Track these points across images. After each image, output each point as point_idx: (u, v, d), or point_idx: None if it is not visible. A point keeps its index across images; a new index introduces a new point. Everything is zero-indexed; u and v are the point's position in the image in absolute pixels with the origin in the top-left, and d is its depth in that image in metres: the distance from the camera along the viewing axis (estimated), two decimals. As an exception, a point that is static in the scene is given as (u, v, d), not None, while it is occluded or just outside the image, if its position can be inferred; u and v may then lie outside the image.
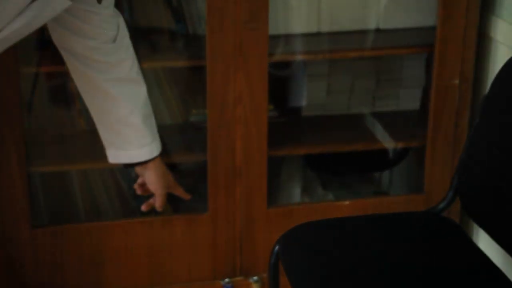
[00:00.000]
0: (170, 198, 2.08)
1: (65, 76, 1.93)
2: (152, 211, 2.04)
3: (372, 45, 1.99)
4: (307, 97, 2.09)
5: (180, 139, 2.03)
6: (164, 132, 2.01)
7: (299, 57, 1.98)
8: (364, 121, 2.13)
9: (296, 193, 2.12)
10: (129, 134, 1.52)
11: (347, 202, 2.01)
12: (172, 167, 2.12)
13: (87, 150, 1.98)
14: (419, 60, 2.09)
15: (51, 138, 1.98)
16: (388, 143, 2.08)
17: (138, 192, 1.64)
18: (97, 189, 2.09)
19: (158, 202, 1.61)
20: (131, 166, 1.59)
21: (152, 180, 1.59)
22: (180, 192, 1.68)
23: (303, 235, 1.61)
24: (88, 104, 1.53)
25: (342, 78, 2.09)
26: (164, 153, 1.98)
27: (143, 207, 1.65)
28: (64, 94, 1.97)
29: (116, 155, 1.57)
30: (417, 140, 2.05)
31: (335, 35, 1.97)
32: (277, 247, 1.59)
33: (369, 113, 2.13)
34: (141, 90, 1.52)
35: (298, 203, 2.08)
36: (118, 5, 1.49)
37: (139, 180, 1.63)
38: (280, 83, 2.10)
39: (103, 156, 1.95)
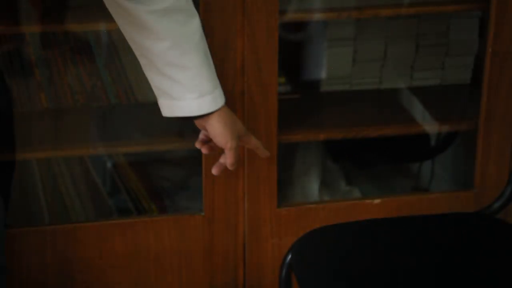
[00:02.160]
0: (156, 195, 2.10)
1: (20, 39, 1.97)
2: (130, 211, 2.07)
3: (410, 0, 1.99)
4: (328, 67, 2.11)
5: (167, 121, 2.02)
6: (146, 111, 2.04)
7: (318, 16, 1.99)
8: (400, 98, 2.15)
9: (313, 189, 2.14)
10: (184, 80, 1.51)
11: (377, 201, 2.02)
12: (159, 156, 2.16)
13: (50, 134, 1.99)
14: (471, 19, 2.11)
15: (4, 119, 1.96)
16: (430, 126, 2.09)
17: (203, 151, 1.63)
18: (64, 183, 2.11)
19: (230, 158, 1.59)
20: (190, 119, 1.58)
21: (219, 131, 1.57)
22: (254, 144, 1.66)
23: (322, 242, 1.62)
24: (132, 44, 1.53)
25: (371, 43, 2.10)
26: (148, 138, 2.01)
27: (214, 170, 1.64)
28: (20, 63, 1.99)
29: (171, 107, 1.57)
30: (466, 122, 2.07)
31: None
32: (289, 257, 1.60)
33: (406, 88, 2.15)
34: (194, 22, 1.51)
35: (315, 201, 2.10)
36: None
37: (201, 136, 1.63)
38: (293, 50, 2.11)
39: (71, 141, 1.98)
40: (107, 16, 1.85)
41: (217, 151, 1.62)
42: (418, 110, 2.11)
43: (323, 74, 2.12)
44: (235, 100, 1.86)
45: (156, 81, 1.55)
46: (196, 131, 1.87)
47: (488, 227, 1.67)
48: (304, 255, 1.59)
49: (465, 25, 2.12)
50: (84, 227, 1.94)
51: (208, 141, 1.62)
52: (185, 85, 1.52)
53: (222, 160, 1.63)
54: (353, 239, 1.62)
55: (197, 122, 1.60)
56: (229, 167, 1.60)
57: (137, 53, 1.55)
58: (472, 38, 2.12)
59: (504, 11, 1.89)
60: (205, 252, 1.97)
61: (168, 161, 2.17)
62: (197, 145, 1.64)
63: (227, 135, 1.57)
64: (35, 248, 1.92)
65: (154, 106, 2.03)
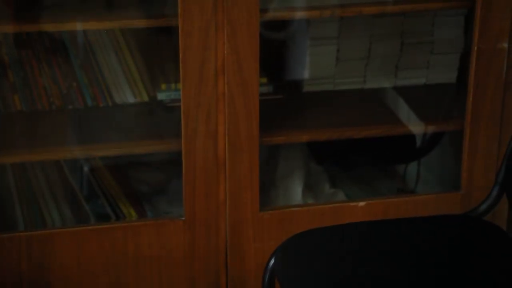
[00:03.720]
0: (135, 200, 2.10)
1: None
2: (108, 216, 2.06)
3: None
4: (310, 67, 2.11)
5: (146, 123, 2.05)
6: (125, 113, 2.05)
7: (300, 14, 1.99)
8: (384, 98, 2.15)
9: (296, 192, 2.14)
10: None
11: (362, 203, 2.03)
12: (138, 159, 2.16)
13: (24, 138, 1.99)
14: (456, 17, 2.12)
15: None
16: (415, 127, 2.10)
17: None
18: (39, 188, 2.10)
19: None
20: None
21: None
22: None
23: (306, 246, 1.62)
24: None
25: (355, 41, 2.10)
26: (126, 141, 2.01)
27: None
28: None
29: None
30: (452, 122, 2.07)
31: None
32: (272, 261, 1.60)
33: (391, 88, 2.16)
34: None
35: (299, 205, 2.10)
36: None
37: None
38: (275, 49, 2.11)
39: (47, 145, 1.97)
40: (83, 16, 1.87)
41: None
42: (403, 110, 2.11)
43: (306, 74, 2.12)
44: (216, 101, 1.86)
45: None
46: (174, 134, 1.90)
47: (475, 229, 1.68)
48: (288, 260, 1.59)
49: (450, 22, 2.12)
50: (61, 233, 1.93)
51: None
52: None
53: None
54: (338, 243, 1.63)
55: None
56: None
57: None
58: (458, 36, 2.13)
59: (489, 8, 1.90)
60: (186, 257, 1.97)
61: (147, 165, 2.17)
62: None
63: None
64: (10, 256, 1.91)
65: (132, 108, 2.05)
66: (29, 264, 1.92)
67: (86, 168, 2.14)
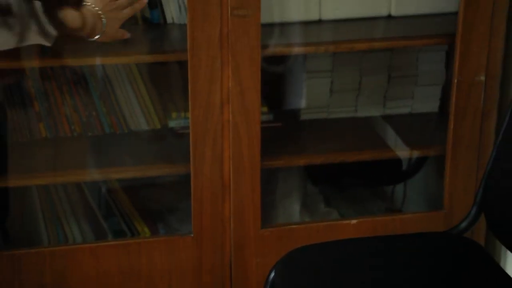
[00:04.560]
0: (148, 218, 2.10)
1: (20, 73, 1.96)
2: (124, 232, 2.06)
3: (383, 35, 2.00)
4: (307, 97, 2.11)
5: (158, 148, 2.04)
6: (139, 140, 2.04)
7: (297, 50, 1.99)
8: (374, 125, 2.14)
9: (294, 211, 2.13)
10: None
11: (354, 221, 2.02)
12: (150, 181, 2.15)
13: (48, 162, 1.98)
14: (438, 52, 2.11)
15: (6, 147, 1.99)
16: (402, 152, 2.09)
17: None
18: (62, 207, 2.10)
19: None
20: None
21: None
22: None
23: (303, 260, 1.62)
24: None
25: (347, 74, 2.10)
26: (140, 165, 2.01)
27: None
28: (20, 95, 1.98)
29: None
30: (435, 147, 2.07)
31: (339, 23, 1.99)
32: (272, 275, 1.60)
33: (379, 116, 2.15)
34: None
35: (296, 222, 2.09)
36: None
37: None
38: (275, 81, 2.11)
39: (68, 168, 1.97)
40: (102, 51, 1.86)
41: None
42: (390, 137, 2.11)
43: (302, 104, 2.11)
44: (221, 128, 1.86)
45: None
46: (184, 159, 1.90)
47: (456, 246, 1.67)
48: (286, 273, 1.59)
49: (432, 57, 2.12)
50: (81, 249, 1.93)
51: None
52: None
53: None
54: (332, 257, 1.62)
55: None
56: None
57: None
58: (439, 70, 2.12)
59: (468, 45, 1.90)
60: (194, 271, 1.97)
61: (159, 186, 2.15)
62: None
63: None
64: (35, 269, 1.91)
65: (145, 134, 2.05)
66: (52, 277, 1.92)
67: (104, 189, 2.13)
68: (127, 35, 1.61)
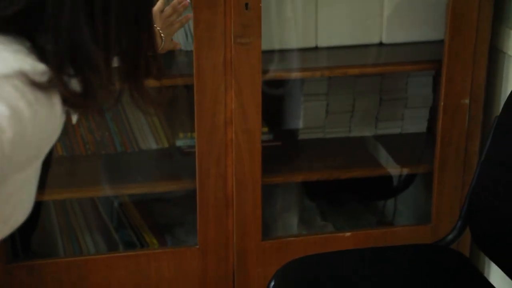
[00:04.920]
0: (157, 231, 2.09)
1: None
2: (134, 244, 2.06)
3: (374, 61, 2.00)
4: (304, 118, 2.10)
5: (166, 166, 2.04)
6: (148, 158, 2.04)
7: (295, 75, 1.98)
8: (366, 144, 2.14)
9: (292, 224, 2.12)
10: None
11: (348, 234, 2.01)
12: (159, 196, 2.14)
13: (65, 178, 1.98)
14: (426, 77, 2.11)
15: None
16: (392, 169, 2.09)
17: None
18: (77, 221, 2.09)
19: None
20: None
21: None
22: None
23: (301, 270, 1.62)
24: None
25: (341, 97, 2.10)
26: (149, 181, 2.01)
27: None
28: None
29: None
30: (423, 165, 2.07)
31: (334, 50, 1.99)
32: (272, 283, 1.59)
33: (371, 136, 2.14)
34: None
35: (295, 235, 2.07)
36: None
37: None
38: (274, 103, 2.10)
39: (83, 184, 1.97)
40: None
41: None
42: (382, 155, 2.10)
43: (300, 124, 2.11)
44: (225, 147, 1.86)
45: None
46: (190, 176, 1.89)
47: (443, 257, 1.67)
48: (286, 282, 1.59)
49: (421, 82, 2.11)
50: (94, 259, 1.93)
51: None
52: None
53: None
54: (328, 268, 1.62)
55: None
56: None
57: None
58: (427, 93, 2.11)
59: (453, 71, 1.90)
60: (200, 280, 1.96)
61: (167, 201, 2.15)
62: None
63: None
64: (52, 278, 1.91)
65: (154, 153, 2.04)
66: (68, 285, 1.92)
67: (115, 204, 2.13)
68: (179, 46, 1.62)
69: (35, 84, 0.90)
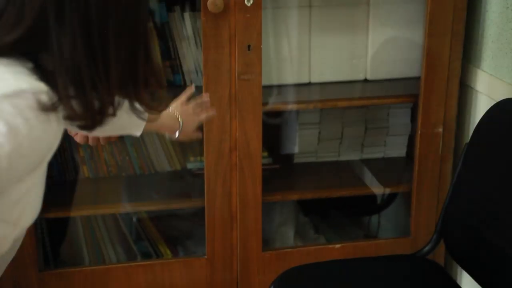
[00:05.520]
0: (170, 243, 2.07)
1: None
2: (150, 254, 2.04)
3: (360, 95, 2.00)
4: (299, 144, 2.09)
5: (178, 186, 2.03)
6: (163, 179, 2.03)
7: (291, 107, 1.98)
8: (353, 167, 2.13)
9: (289, 237, 2.10)
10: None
11: (338, 245, 1.99)
12: (172, 213, 2.13)
13: (90, 197, 1.98)
14: (405, 109, 2.10)
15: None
16: (376, 189, 2.08)
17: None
18: (100, 234, 2.08)
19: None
20: None
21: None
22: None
23: (296, 278, 1.61)
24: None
25: (332, 126, 2.09)
26: (164, 199, 2.00)
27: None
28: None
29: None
30: (403, 185, 2.05)
31: (325, 86, 1.98)
32: None
33: (358, 160, 2.13)
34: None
35: (291, 246, 2.06)
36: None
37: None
38: (273, 131, 2.10)
39: (106, 202, 1.97)
40: None
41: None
42: (367, 177, 2.09)
43: (296, 149, 2.10)
44: (230, 170, 1.85)
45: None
46: (199, 194, 1.88)
47: (421, 266, 1.66)
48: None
49: (400, 113, 2.11)
50: (115, 268, 1.92)
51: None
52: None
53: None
54: (320, 276, 1.61)
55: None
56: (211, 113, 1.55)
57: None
58: (406, 123, 2.11)
59: (428, 103, 1.90)
60: (207, 287, 1.95)
61: (179, 216, 2.14)
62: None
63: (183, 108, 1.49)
64: (78, 285, 1.90)
65: (168, 174, 2.04)
66: None
67: (134, 219, 2.12)
68: (199, 136, 1.59)
69: (36, 103, 0.87)
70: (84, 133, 1.36)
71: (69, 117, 0.91)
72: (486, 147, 1.58)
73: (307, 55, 1.96)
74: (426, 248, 1.67)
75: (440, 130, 1.92)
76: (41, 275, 1.87)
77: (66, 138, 1.92)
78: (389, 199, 2.18)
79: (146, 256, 2.04)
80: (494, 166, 1.54)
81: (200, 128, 1.59)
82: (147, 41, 0.97)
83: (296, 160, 2.11)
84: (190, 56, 1.91)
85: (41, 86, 0.89)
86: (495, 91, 1.81)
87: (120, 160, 2.02)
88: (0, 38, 0.91)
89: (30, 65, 0.91)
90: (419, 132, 1.92)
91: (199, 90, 1.87)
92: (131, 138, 2.01)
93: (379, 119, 2.11)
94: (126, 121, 1.30)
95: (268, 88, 1.91)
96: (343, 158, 2.13)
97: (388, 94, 1.98)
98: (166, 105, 1.42)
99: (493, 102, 1.62)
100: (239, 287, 1.96)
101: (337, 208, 2.20)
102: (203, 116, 1.55)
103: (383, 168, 2.11)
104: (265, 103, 1.85)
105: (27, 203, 1.00)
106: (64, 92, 0.90)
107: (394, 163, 2.13)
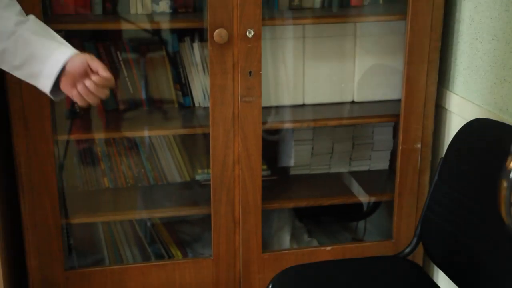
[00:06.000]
0: (180, 245, 2.06)
1: (91, 142, 1.97)
2: (163, 255, 2.02)
3: (348, 115, 1.99)
4: (295, 158, 2.09)
5: (188, 195, 2.03)
6: (174, 189, 2.02)
7: (288, 125, 1.97)
8: (342, 178, 2.12)
9: (285, 240, 2.09)
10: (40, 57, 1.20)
11: (328, 248, 1.99)
12: (182, 219, 2.12)
13: (110, 205, 1.98)
14: (387, 127, 2.10)
15: (80, 194, 1.98)
16: (362, 197, 2.07)
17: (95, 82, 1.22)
18: (119, 237, 2.08)
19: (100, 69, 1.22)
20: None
21: (79, 60, 1.22)
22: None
23: (292, 277, 1.61)
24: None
25: (323, 142, 2.09)
26: (175, 207, 1.99)
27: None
28: (91, 157, 1.98)
29: (45, 82, 1.22)
30: (386, 195, 2.04)
31: (317, 107, 1.98)
32: (270, 287, 1.59)
33: (346, 172, 2.13)
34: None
35: (287, 248, 2.04)
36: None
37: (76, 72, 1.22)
38: (271, 147, 2.10)
39: (124, 209, 1.96)
40: (148, 126, 1.86)
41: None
42: (354, 187, 2.08)
43: (291, 163, 2.09)
44: (233, 181, 1.84)
45: (27, 73, 1.24)
46: (206, 202, 1.87)
47: (402, 266, 1.66)
48: (281, 285, 1.58)
49: (383, 131, 2.10)
50: (132, 268, 1.91)
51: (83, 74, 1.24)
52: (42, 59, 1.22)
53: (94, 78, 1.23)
54: (313, 275, 1.61)
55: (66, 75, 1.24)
56: (107, 76, 1.23)
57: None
58: (389, 139, 2.11)
59: (408, 122, 1.89)
60: (213, 284, 1.94)
61: (188, 222, 2.13)
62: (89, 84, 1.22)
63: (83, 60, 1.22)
64: (99, 282, 1.89)
65: (178, 185, 2.03)
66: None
67: (148, 224, 2.10)
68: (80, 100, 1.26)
69: None
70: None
71: None
72: (459, 160, 1.58)
73: (301, 80, 1.96)
74: (407, 250, 1.67)
75: (419, 146, 1.92)
76: (66, 273, 1.87)
77: (89, 154, 1.97)
78: (373, 207, 2.17)
79: (159, 257, 2.03)
80: (466, 178, 1.54)
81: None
82: None
83: (292, 172, 2.11)
84: (198, 81, 1.92)
85: None
86: (466, 112, 1.82)
87: (136, 172, 2.02)
88: None
89: None
90: (400, 147, 1.92)
91: (206, 111, 1.88)
92: (146, 152, 2.00)
93: (365, 136, 2.11)
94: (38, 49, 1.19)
95: (267, 108, 1.91)
96: (333, 170, 2.12)
97: (373, 114, 1.98)
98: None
99: (465, 121, 1.62)
100: (241, 285, 1.96)
101: (328, 214, 2.20)
102: (82, 87, 1.23)
103: (368, 179, 2.10)
104: (264, 122, 1.85)
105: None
106: None
107: (378, 175, 2.12)
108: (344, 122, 2.00)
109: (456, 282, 1.55)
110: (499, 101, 1.68)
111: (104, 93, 1.25)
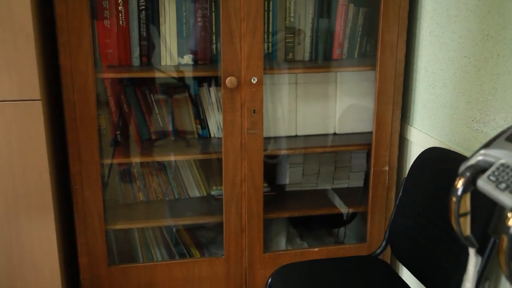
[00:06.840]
0: (199, 247, 2.03)
1: (130, 164, 1.97)
2: (185, 255, 1.99)
3: (331, 143, 1.98)
4: (289, 178, 2.08)
5: (205, 206, 2.02)
6: (194, 202, 2.01)
7: (284, 152, 1.96)
8: (327, 194, 2.11)
9: (282, 243, 2.08)
10: None
11: (316, 249, 1.98)
12: (200, 225, 2.10)
13: (143, 214, 1.97)
14: (362, 153, 2.09)
15: (120, 206, 1.97)
16: (343, 209, 2.05)
17: None
18: (150, 240, 2.07)
19: None
20: None
21: None
22: None
23: (287, 272, 1.61)
24: None
25: (312, 165, 2.08)
26: (195, 216, 1.95)
27: None
28: (129, 176, 1.98)
29: None
30: (361, 206, 2.03)
31: (307, 137, 1.98)
32: (270, 280, 1.60)
33: (330, 189, 2.12)
34: None
35: (283, 250, 2.02)
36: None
37: None
38: (271, 169, 2.09)
39: (154, 218, 1.94)
40: (174, 152, 1.85)
41: None
42: (336, 200, 2.07)
43: (287, 181, 2.08)
44: (240, 196, 1.83)
45: None
46: (219, 213, 1.85)
47: (374, 264, 1.66)
48: (278, 279, 1.58)
49: (359, 156, 2.09)
50: (160, 265, 1.90)
51: None
52: None
53: None
54: (306, 271, 1.61)
55: None
56: None
57: None
58: (363, 163, 2.09)
59: (378, 150, 1.89)
60: (225, 278, 1.93)
61: (205, 228, 2.12)
62: None
63: None
64: (133, 277, 1.89)
65: (198, 199, 2.00)
66: (144, 281, 1.89)
67: (174, 230, 2.08)
68: None
69: None
70: None
71: None
72: (418, 180, 1.59)
73: (294, 116, 1.96)
74: (378, 251, 1.67)
75: (386, 168, 1.92)
76: (109, 268, 1.86)
77: (128, 174, 1.98)
78: (351, 216, 2.15)
79: (182, 256, 2.02)
80: (424, 193, 1.55)
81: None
82: None
83: (287, 189, 2.09)
84: (214, 117, 1.93)
85: None
86: (423, 142, 1.82)
87: (164, 188, 2.01)
88: None
89: None
90: (372, 169, 1.92)
91: (219, 140, 1.88)
92: (172, 173, 2.00)
93: (344, 160, 2.10)
94: None
95: (267, 138, 1.92)
96: (320, 187, 2.11)
97: (351, 143, 1.96)
98: None
99: (422, 149, 1.64)
100: (247, 278, 1.95)
101: (316, 222, 2.18)
102: None
103: (347, 194, 2.09)
104: (265, 149, 1.85)
105: None
106: None
107: (355, 191, 2.11)
108: (328, 149, 1.99)
109: (417, 276, 1.55)
110: (448, 134, 1.70)
111: None
